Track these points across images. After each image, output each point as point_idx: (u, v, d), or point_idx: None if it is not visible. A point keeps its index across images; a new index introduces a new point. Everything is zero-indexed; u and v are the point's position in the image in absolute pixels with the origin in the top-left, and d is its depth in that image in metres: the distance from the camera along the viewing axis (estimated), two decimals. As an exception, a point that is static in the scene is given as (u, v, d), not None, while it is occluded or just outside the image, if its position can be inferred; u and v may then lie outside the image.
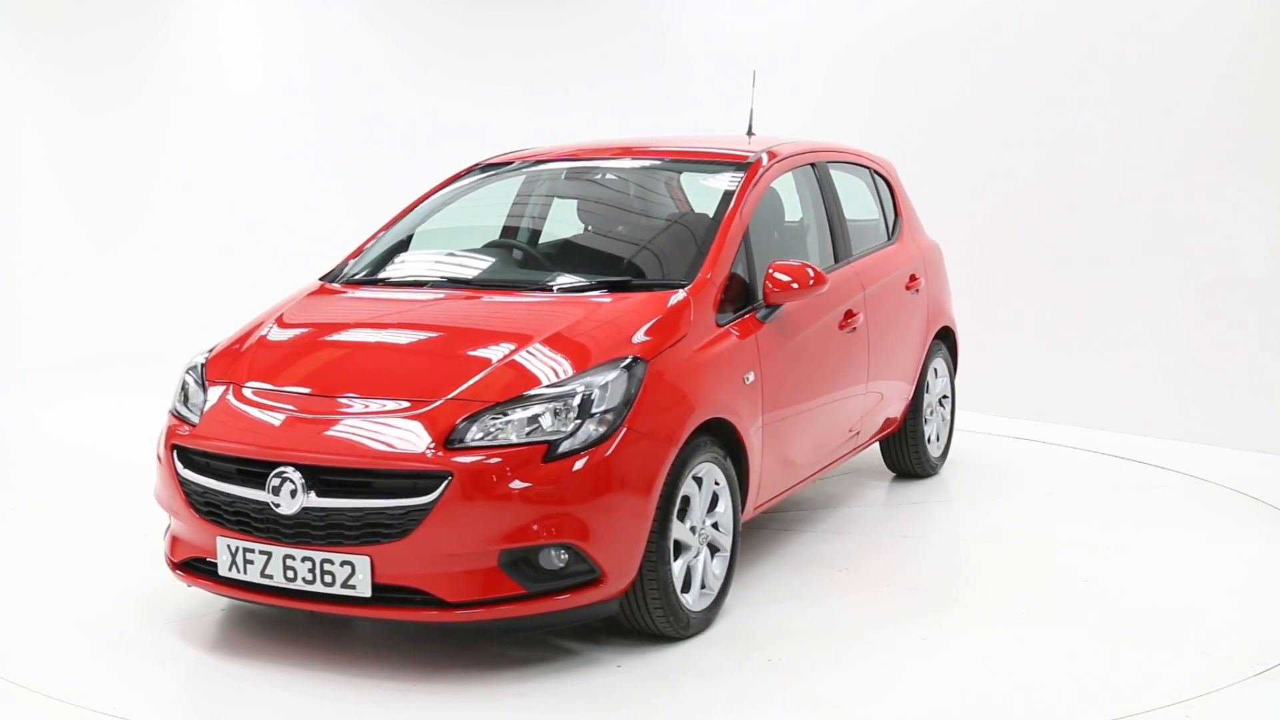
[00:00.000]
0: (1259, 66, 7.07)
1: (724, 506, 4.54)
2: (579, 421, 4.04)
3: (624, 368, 4.18)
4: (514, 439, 3.99)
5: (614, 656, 4.29)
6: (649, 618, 4.25)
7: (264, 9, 11.18)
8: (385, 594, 3.97)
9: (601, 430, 4.04)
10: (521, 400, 4.07)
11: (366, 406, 4.14)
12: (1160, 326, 7.50)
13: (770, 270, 4.86)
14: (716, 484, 4.50)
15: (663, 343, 4.36)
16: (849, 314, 5.48)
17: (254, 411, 4.28)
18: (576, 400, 4.06)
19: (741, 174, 5.22)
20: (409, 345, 4.53)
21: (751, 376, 4.69)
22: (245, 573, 4.12)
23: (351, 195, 10.83)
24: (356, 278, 5.20)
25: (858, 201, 6.21)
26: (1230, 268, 7.23)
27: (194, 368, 4.65)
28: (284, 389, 4.34)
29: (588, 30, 10.11)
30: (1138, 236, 7.59)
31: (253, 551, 4.09)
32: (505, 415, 4.03)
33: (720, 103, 9.41)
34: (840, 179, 6.01)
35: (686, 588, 4.37)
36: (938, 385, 6.56)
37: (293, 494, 4.00)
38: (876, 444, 6.28)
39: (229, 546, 4.14)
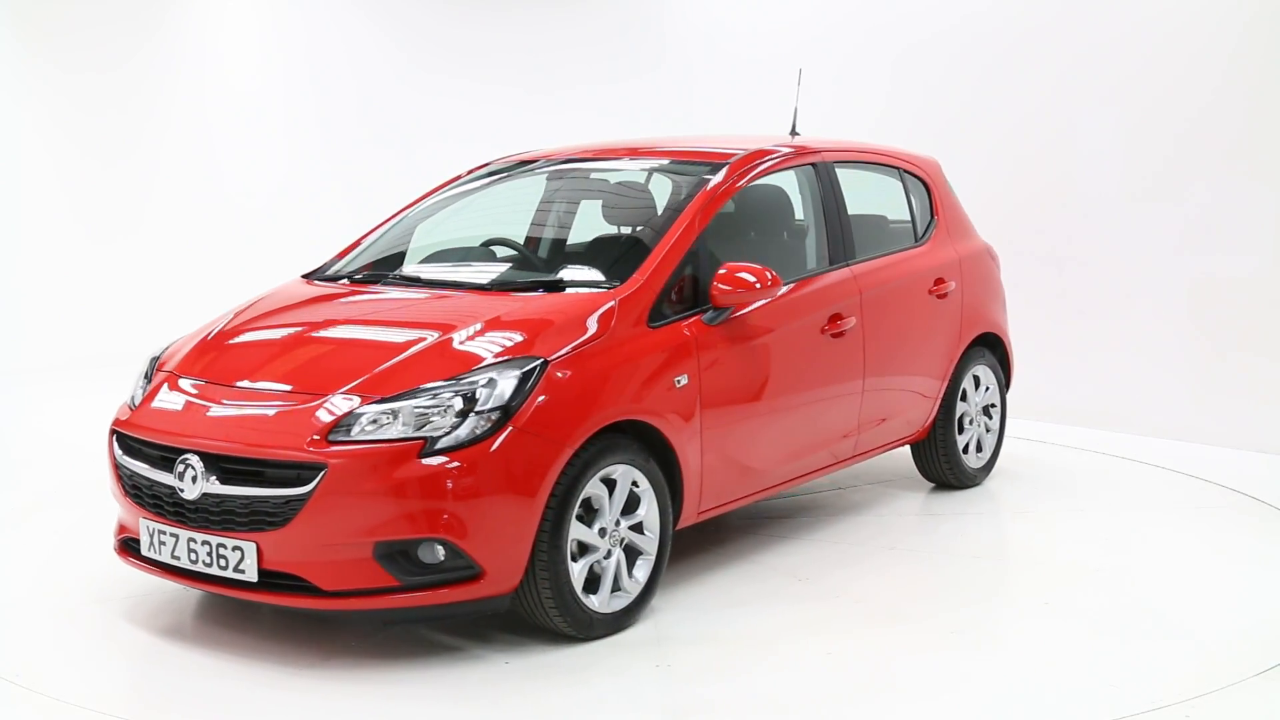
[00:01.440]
0: (1260, 66, 7.08)
1: (647, 510, 4.54)
2: (460, 419, 4.09)
3: (517, 367, 4.23)
4: (394, 434, 4.07)
5: (505, 654, 4.34)
6: (546, 616, 4.31)
7: (263, 8, 11.18)
8: (270, 579, 4.12)
9: (484, 429, 4.09)
10: (408, 396, 4.16)
11: (272, 399, 4.31)
12: (1161, 326, 7.50)
13: (718, 273, 4.80)
14: (636, 486, 4.49)
15: (569, 343, 4.38)
16: (836, 318, 5.36)
17: (177, 401, 4.51)
18: (459, 398, 4.13)
19: (712, 176, 5.20)
20: (330, 340, 4.73)
21: (684, 380, 4.65)
22: (160, 553, 4.36)
23: (351, 194, 10.83)
24: (328, 274, 5.36)
25: (884, 203, 6.10)
26: (1230, 268, 7.23)
27: (153, 358, 4.90)
28: (206, 381, 4.54)
29: (588, 30, 10.11)
30: (1138, 236, 7.58)
31: (165, 533, 4.32)
32: (391, 410, 4.12)
33: (720, 102, 9.42)
34: (864, 180, 5.95)
35: (596, 589, 4.40)
36: (979, 394, 6.32)
37: (194, 480, 4.19)
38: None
39: (148, 527, 4.38)
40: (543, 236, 5.61)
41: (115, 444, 4.61)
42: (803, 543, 5.53)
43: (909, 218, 6.14)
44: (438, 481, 4.03)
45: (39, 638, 4.65)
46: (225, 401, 4.38)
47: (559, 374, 4.28)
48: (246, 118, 11.14)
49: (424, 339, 4.43)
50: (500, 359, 4.26)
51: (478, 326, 4.47)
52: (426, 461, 4.04)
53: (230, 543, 4.14)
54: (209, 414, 4.36)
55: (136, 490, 4.46)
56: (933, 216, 6.21)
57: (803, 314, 5.24)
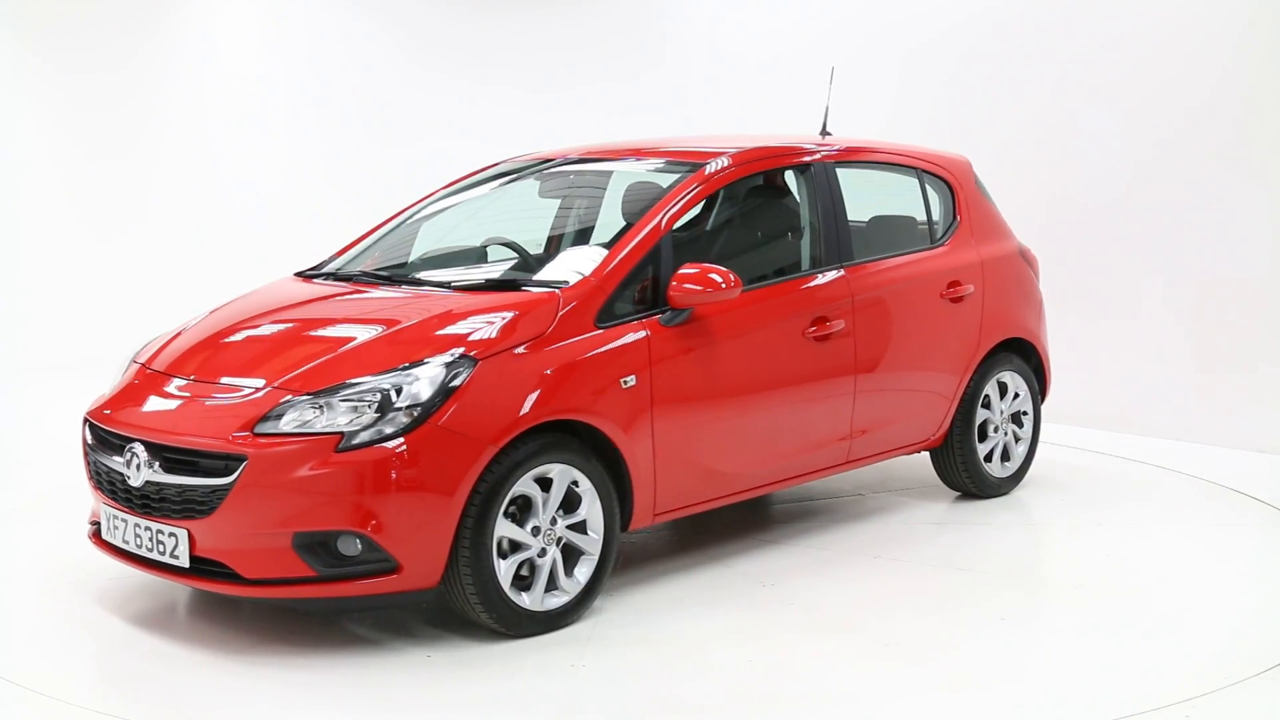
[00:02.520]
0: (1260, 66, 7.07)
1: (589, 510, 4.55)
2: (379, 415, 4.17)
3: (442, 365, 4.29)
4: (316, 428, 4.17)
5: (429, 647, 4.41)
6: (473, 612, 4.37)
7: (263, 8, 11.18)
8: (200, 566, 4.28)
9: (402, 425, 4.17)
10: (333, 390, 4.25)
11: (216, 392, 4.47)
12: (1160, 326, 7.50)
13: (675, 274, 4.80)
14: (575, 485, 4.51)
15: (505, 342, 4.43)
16: (822, 320, 5.29)
17: (137, 392, 4.68)
18: (380, 394, 4.21)
19: (683, 176, 5.20)
20: (283, 335, 4.82)
21: (632, 380, 4.64)
22: (114, 537, 4.54)
23: (351, 193, 10.83)
24: (317, 271, 5.45)
25: (898, 204, 6.02)
26: (1230, 268, 7.23)
27: (136, 352, 5.07)
28: (165, 373, 4.71)
29: (588, 30, 10.11)
30: (1138, 236, 7.58)
31: (117, 518, 4.50)
32: (315, 405, 4.22)
33: (720, 102, 9.42)
34: (870, 180, 5.89)
35: (530, 586, 4.44)
36: (1006, 402, 6.15)
37: (138, 468, 4.37)
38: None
39: (105, 512, 4.59)
40: (528, 237, 5.59)
41: (87, 432, 4.76)
42: (787, 548, 5.47)
43: (925, 219, 6.04)
44: (352, 475, 4.12)
45: (39, 638, 4.65)
46: (176, 393, 4.55)
47: (488, 372, 4.33)
48: (246, 117, 11.14)
49: (365, 335, 4.54)
50: (428, 357, 4.32)
51: (416, 324, 4.55)
52: (343, 455, 4.12)
53: (167, 529, 4.30)
54: (159, 405, 4.54)
55: (99, 476, 4.64)
56: (955, 218, 6.08)
57: (780, 316, 5.18)
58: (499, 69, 10.45)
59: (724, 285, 4.77)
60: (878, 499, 6.17)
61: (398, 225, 5.72)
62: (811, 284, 5.35)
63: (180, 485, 4.27)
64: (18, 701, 4.06)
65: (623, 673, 4.23)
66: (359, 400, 4.21)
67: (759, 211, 5.66)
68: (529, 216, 5.75)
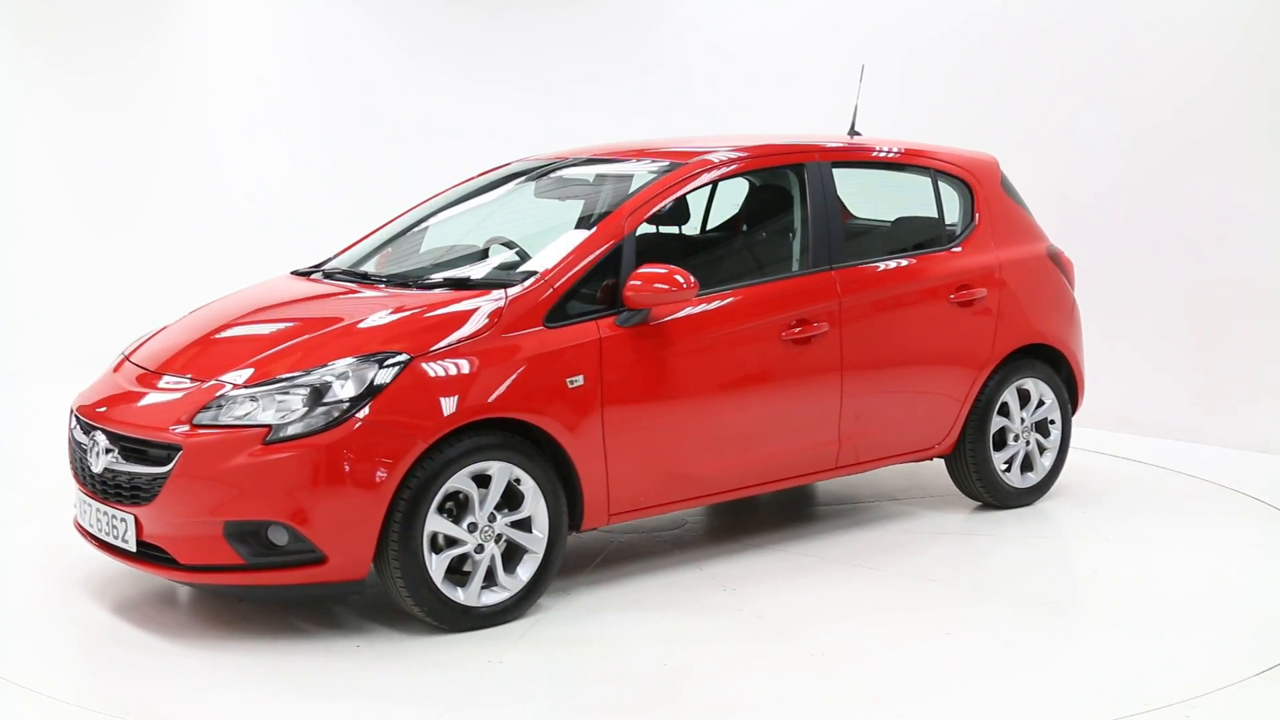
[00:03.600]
0: (1261, 66, 7.07)
1: (533, 508, 4.58)
2: (308, 409, 4.28)
3: (374, 362, 4.38)
4: (251, 420, 4.31)
5: (358, 638, 4.51)
6: (405, 605, 4.46)
7: (263, 8, 11.17)
8: (145, 550, 4.45)
9: (329, 419, 4.28)
10: (269, 384, 4.39)
11: (174, 384, 4.62)
12: (1160, 326, 7.50)
13: (631, 274, 4.80)
14: (517, 482, 4.55)
15: (441, 340, 4.50)
16: (803, 322, 5.22)
17: (113, 384, 4.86)
18: (312, 389, 4.33)
19: (656, 176, 5.19)
20: (247, 331, 4.92)
21: (579, 380, 4.66)
22: (83, 519, 4.76)
23: (351, 193, 10.83)
24: (314, 270, 5.51)
25: (915, 205, 5.92)
26: (1230, 268, 7.23)
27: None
28: (140, 365, 4.89)
29: (588, 30, 10.11)
30: (1138, 236, 7.58)
31: (85, 503, 4.71)
32: (251, 397, 4.37)
33: (720, 102, 9.42)
34: (898, 181, 5.84)
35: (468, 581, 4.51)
36: (1029, 410, 5.95)
37: (98, 455, 4.56)
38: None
39: (78, 496, 4.81)
40: (509, 237, 5.55)
41: (72, 421, 4.91)
42: (770, 553, 5.42)
43: (937, 220, 5.89)
44: (279, 467, 4.25)
45: (39, 637, 4.65)
46: (140, 386, 4.72)
47: (420, 370, 4.41)
48: (246, 117, 11.13)
49: (309, 332, 4.66)
50: (363, 353, 4.42)
51: (360, 322, 4.64)
52: (269, 447, 4.25)
53: (119, 514, 4.49)
54: (125, 396, 4.71)
55: (77, 463, 4.82)
56: (973, 219, 5.92)
57: (753, 317, 5.12)
58: (499, 69, 10.45)
59: (681, 286, 4.77)
60: (892, 506, 6.06)
61: (407, 225, 5.71)
62: (793, 286, 5.28)
63: (130, 472, 4.45)
64: (19, 701, 4.06)
65: (535, 672, 4.27)
66: (289, 394, 4.34)
67: (744, 212, 5.63)
68: (537, 216, 5.72)
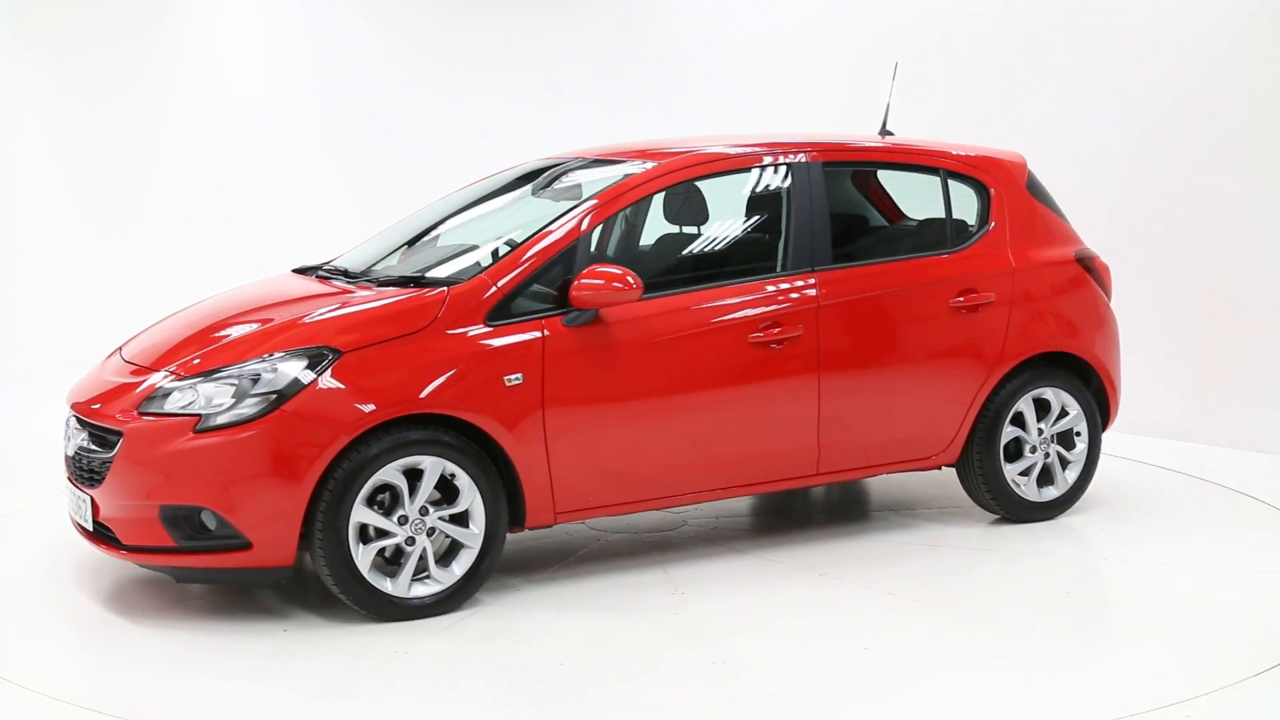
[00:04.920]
0: (1261, 65, 7.07)
1: (470, 504, 4.66)
2: (236, 400, 4.45)
3: (302, 356, 4.52)
4: (187, 409, 4.49)
5: (286, 623, 4.67)
6: (335, 593, 4.59)
7: (263, 7, 11.18)
8: (100, 530, 4.68)
9: (256, 410, 4.43)
10: (205, 375, 4.56)
11: (138, 374, 4.79)
12: (1160, 326, 7.49)
13: (578, 274, 4.80)
14: (453, 477, 4.62)
15: (374, 337, 4.59)
16: (774, 324, 5.13)
17: (98, 375, 5.04)
18: (237, 381, 4.49)
19: (623, 176, 5.18)
20: (214, 325, 5.00)
21: (517, 378, 4.69)
22: (69, 509, 4.94)
23: (352, 192, 10.84)
24: (311, 267, 5.58)
25: (923, 206, 5.79)
26: (1230, 268, 7.23)
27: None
28: (123, 357, 5.06)
29: (588, 30, 10.11)
30: (1138, 236, 7.58)
31: (68, 488, 4.93)
32: (190, 388, 4.55)
33: (719, 101, 9.43)
34: (914, 181, 5.74)
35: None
36: (1048, 421, 5.70)
37: (69, 438, 4.83)
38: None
39: (65, 480, 5.01)
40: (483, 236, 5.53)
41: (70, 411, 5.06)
42: (742, 557, 5.34)
43: (944, 222, 5.69)
44: (206, 455, 4.42)
45: (39, 637, 4.66)
46: (115, 375, 4.89)
47: (350, 365, 4.52)
48: (247, 116, 11.14)
49: (255, 326, 4.80)
50: (293, 347, 4.56)
51: (305, 317, 4.76)
52: (199, 436, 4.43)
53: (82, 495, 4.72)
54: (100, 384, 4.90)
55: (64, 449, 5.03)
56: (988, 221, 5.71)
57: (714, 318, 5.06)
58: (499, 69, 10.45)
59: (628, 287, 4.77)
60: (914, 516, 5.89)
61: (424, 225, 5.67)
62: (765, 288, 5.19)
63: (89, 455, 4.68)
64: (19, 701, 4.07)
65: (435, 664, 4.30)
66: (221, 385, 4.50)
67: (728, 213, 5.56)
68: (546, 216, 5.69)
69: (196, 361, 4.65)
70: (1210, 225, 7.30)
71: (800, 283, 5.24)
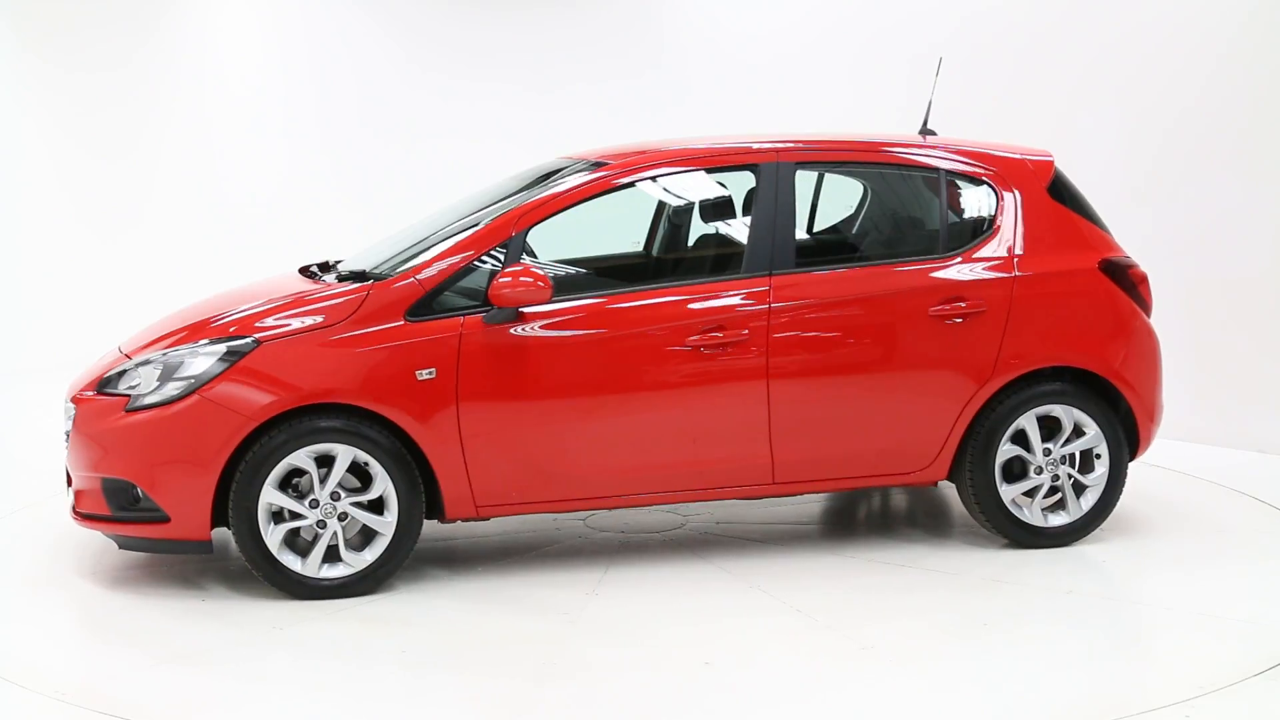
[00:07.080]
0: (1262, 66, 7.07)
1: (383, 491, 4.84)
2: (160, 384, 4.78)
3: (220, 344, 4.81)
4: (131, 390, 4.83)
5: (202, 596, 4.94)
6: (251, 570, 4.87)
7: (263, 8, 11.18)
8: (76, 501, 5.04)
9: (173, 394, 4.75)
10: (144, 361, 4.88)
11: (116, 360, 5.06)
12: (1161, 326, 7.47)
13: (496, 274, 4.88)
14: (366, 465, 4.82)
15: (292, 329, 4.83)
16: (717, 329, 5.00)
17: (98, 362, 5.25)
18: (162, 365, 4.82)
19: (581, 177, 5.17)
20: (203, 319, 5.09)
21: (430, 373, 4.82)
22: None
23: (352, 192, 10.84)
24: (323, 264, 5.68)
25: (917, 208, 5.59)
26: (1230, 268, 7.23)
27: None
28: (116, 347, 5.29)
29: (588, 30, 10.12)
30: (1138, 236, 7.58)
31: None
32: (130, 370, 4.89)
33: (719, 101, 9.43)
34: (899, 181, 5.55)
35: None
36: (1058, 441, 5.31)
37: (66, 419, 5.08)
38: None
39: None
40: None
41: None
42: (692, 565, 5.22)
43: (938, 226, 5.40)
44: (128, 433, 4.78)
45: (38, 637, 4.67)
46: (103, 360, 5.19)
47: (265, 355, 4.77)
48: (246, 116, 11.14)
49: (209, 317, 5.01)
50: (216, 336, 4.85)
51: (245, 307, 4.99)
52: (126, 415, 4.79)
53: (68, 470, 5.08)
54: (89, 371, 5.16)
55: None
56: (991, 225, 5.37)
57: (652, 322, 4.99)
58: (499, 69, 10.46)
59: (534, 286, 4.82)
60: (895, 536, 5.63)
61: (436, 225, 5.60)
62: (710, 290, 5.07)
63: (68, 432, 5.01)
64: (18, 701, 4.07)
65: (298, 641, 4.47)
66: (150, 369, 4.83)
67: (694, 215, 5.53)
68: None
69: (145, 346, 4.99)
70: (1210, 225, 7.30)
71: (753, 287, 5.09)
